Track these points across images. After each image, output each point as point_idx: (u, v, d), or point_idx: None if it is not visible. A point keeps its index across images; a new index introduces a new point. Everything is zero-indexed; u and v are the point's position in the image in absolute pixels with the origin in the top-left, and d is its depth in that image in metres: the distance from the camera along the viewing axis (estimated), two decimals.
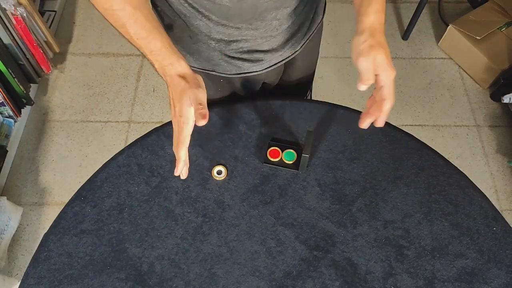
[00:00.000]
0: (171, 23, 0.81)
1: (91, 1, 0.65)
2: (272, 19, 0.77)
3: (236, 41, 0.79)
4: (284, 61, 0.89)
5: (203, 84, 0.68)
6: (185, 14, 0.76)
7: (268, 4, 0.73)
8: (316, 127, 0.87)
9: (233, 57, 0.83)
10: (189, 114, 0.65)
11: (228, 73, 0.86)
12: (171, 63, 0.66)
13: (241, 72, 0.86)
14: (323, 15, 0.93)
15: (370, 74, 0.63)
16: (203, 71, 0.87)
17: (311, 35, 0.91)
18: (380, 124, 0.66)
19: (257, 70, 0.87)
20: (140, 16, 0.64)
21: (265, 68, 0.87)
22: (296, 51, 0.89)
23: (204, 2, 0.72)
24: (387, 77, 0.63)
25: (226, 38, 0.79)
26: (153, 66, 0.67)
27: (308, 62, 1.03)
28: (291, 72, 1.00)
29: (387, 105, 0.65)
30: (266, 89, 1.01)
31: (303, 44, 0.90)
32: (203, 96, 0.66)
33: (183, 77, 0.66)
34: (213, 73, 0.87)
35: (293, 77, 1.02)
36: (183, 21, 0.78)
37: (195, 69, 0.87)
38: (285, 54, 0.88)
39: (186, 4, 0.75)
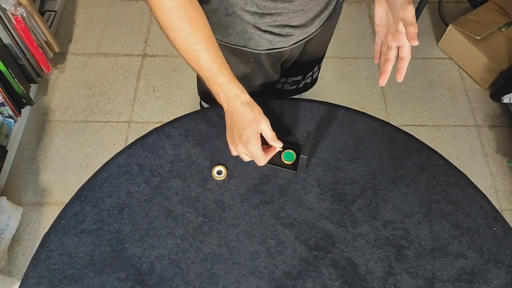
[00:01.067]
0: None
1: (175, 46, 0.72)
2: None
3: (270, 14, 0.81)
4: (308, 38, 0.91)
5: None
6: None
7: None
8: (316, 127, 0.87)
9: (266, 31, 0.84)
10: (260, 152, 0.75)
11: (260, 48, 0.87)
12: (237, 95, 0.74)
13: (271, 47, 0.88)
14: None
15: (415, 21, 0.66)
16: (235, 46, 0.88)
17: (333, 12, 0.93)
18: (401, 79, 0.72)
19: (285, 46, 0.89)
20: (212, 52, 0.72)
21: (292, 44, 0.89)
22: (318, 28, 0.92)
23: None
24: (416, 31, 0.66)
25: (260, 11, 0.80)
26: (217, 95, 0.75)
27: (323, 40, 1.05)
28: (306, 48, 1.01)
29: (407, 62, 0.71)
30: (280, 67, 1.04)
31: (325, 21, 0.92)
32: (268, 124, 0.76)
33: (250, 105, 0.74)
34: (245, 49, 0.88)
35: (307, 53, 1.04)
36: None
37: (227, 45, 0.88)
38: (311, 30, 0.90)
39: None
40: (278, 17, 0.82)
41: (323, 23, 0.92)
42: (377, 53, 0.78)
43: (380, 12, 0.72)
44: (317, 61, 1.13)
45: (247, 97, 0.75)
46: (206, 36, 0.71)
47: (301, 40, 0.91)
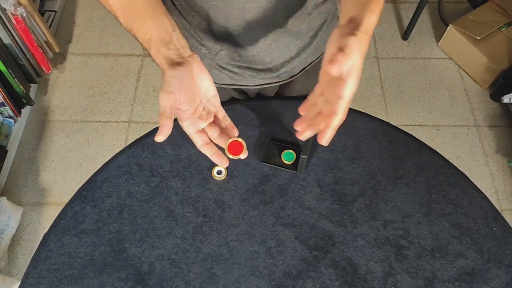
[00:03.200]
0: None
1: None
2: (266, 35, 0.73)
3: (227, 54, 0.78)
4: (280, 83, 0.87)
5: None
6: (176, 18, 0.76)
7: (257, 11, 0.68)
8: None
9: (224, 68, 0.81)
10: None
11: (221, 82, 0.85)
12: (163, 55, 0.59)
13: (234, 83, 0.85)
14: None
15: (348, 60, 0.51)
16: None
17: (313, 61, 0.87)
18: (324, 142, 0.57)
19: (250, 84, 0.85)
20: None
21: (258, 85, 0.86)
22: (294, 75, 0.86)
23: (192, 1, 0.70)
24: (352, 88, 0.53)
25: (214, 47, 0.77)
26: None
27: (309, 87, 0.90)
28: (287, 91, 0.96)
29: (337, 120, 0.55)
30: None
31: (303, 69, 0.86)
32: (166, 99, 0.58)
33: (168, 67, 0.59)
34: None
35: (291, 95, 0.97)
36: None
37: None
38: (282, 76, 0.84)
39: (178, 8, 0.74)
40: (234, 58, 0.78)
41: (303, 70, 0.86)
42: (308, 102, 0.61)
43: (331, 50, 0.54)
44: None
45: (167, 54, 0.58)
46: None
47: (268, 84, 0.85)
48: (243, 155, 0.65)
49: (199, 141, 0.63)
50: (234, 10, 0.69)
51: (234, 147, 0.65)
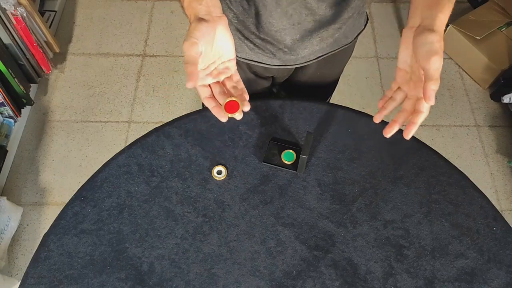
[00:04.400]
0: None
1: None
2: (293, 16, 0.75)
3: (253, 23, 0.78)
4: (295, 66, 0.88)
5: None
6: None
7: None
8: (316, 127, 0.87)
9: (247, 38, 0.82)
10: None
11: (239, 55, 0.86)
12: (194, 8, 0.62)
13: (251, 59, 0.86)
14: (355, 39, 0.90)
15: (438, 76, 0.57)
16: None
17: (330, 52, 0.88)
18: (409, 137, 0.64)
19: (267, 63, 0.86)
20: None
21: (275, 65, 0.87)
22: (309, 61, 0.88)
23: None
24: (435, 89, 0.58)
25: (243, 16, 0.78)
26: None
27: (321, 74, 0.99)
28: (300, 77, 0.98)
29: (423, 118, 0.62)
30: (272, 83, 1.00)
31: (318, 57, 0.88)
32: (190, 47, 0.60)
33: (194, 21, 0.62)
34: None
35: (301, 81, 1.00)
36: None
37: None
38: (298, 60, 0.86)
39: None
40: (261, 29, 0.79)
41: (319, 57, 0.88)
42: (385, 96, 0.69)
43: (404, 54, 0.63)
44: (322, 92, 1.05)
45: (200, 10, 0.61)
46: None
47: (285, 65, 0.87)
48: (238, 115, 0.66)
49: (203, 94, 0.66)
50: None
51: (230, 106, 0.66)
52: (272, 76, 0.97)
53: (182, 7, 0.63)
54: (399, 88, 0.67)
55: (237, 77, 0.67)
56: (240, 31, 0.82)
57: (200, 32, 0.58)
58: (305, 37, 0.81)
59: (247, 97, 0.66)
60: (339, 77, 1.06)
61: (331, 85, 1.06)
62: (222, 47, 0.64)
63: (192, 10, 0.60)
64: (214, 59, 0.64)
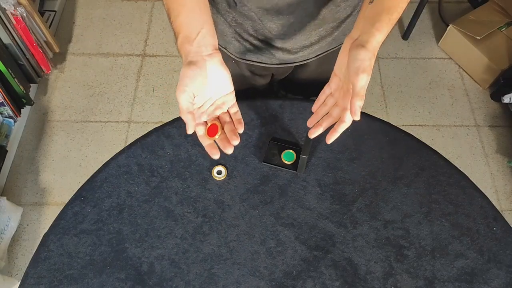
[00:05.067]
0: None
1: None
2: (291, 18, 0.75)
3: (251, 25, 0.78)
4: (294, 64, 0.89)
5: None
6: None
7: None
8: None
9: (246, 40, 0.82)
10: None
11: (238, 55, 0.86)
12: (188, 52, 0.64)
13: (250, 59, 0.86)
14: None
15: (364, 93, 0.61)
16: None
17: (330, 50, 0.89)
18: (330, 142, 0.67)
19: (266, 62, 0.86)
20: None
21: (274, 64, 0.87)
22: (309, 59, 0.88)
23: None
24: (362, 102, 0.61)
25: (242, 19, 0.78)
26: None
27: (321, 71, 0.99)
28: (300, 74, 0.98)
29: (344, 128, 0.65)
30: (271, 81, 1.01)
31: (318, 55, 0.88)
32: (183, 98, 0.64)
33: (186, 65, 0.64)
34: (225, 50, 0.87)
35: (302, 79, 1.00)
36: None
37: None
38: (298, 58, 0.87)
39: None
40: (258, 31, 0.79)
41: (317, 56, 0.88)
42: (319, 101, 0.71)
43: (341, 62, 0.65)
44: (322, 89, 1.08)
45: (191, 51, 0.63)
46: None
47: (285, 64, 0.87)
48: (217, 136, 0.67)
49: (198, 132, 0.68)
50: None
51: (211, 130, 0.68)
52: (272, 73, 0.97)
53: (177, 47, 0.65)
54: (331, 93, 0.69)
55: (234, 108, 0.69)
56: (239, 34, 0.82)
57: (189, 78, 0.61)
58: (304, 38, 0.81)
59: (241, 129, 0.67)
60: None
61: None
62: (217, 84, 0.66)
63: (183, 53, 0.63)
64: (210, 95, 0.66)
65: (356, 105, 0.59)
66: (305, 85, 1.02)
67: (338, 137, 0.65)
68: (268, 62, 0.87)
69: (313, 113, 0.72)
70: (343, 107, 0.66)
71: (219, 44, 0.84)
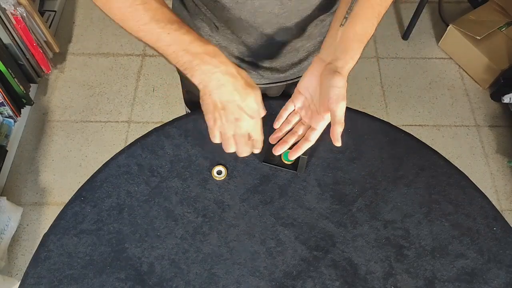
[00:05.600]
0: (177, 13, 0.80)
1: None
2: (276, 37, 0.74)
3: (236, 48, 0.78)
4: (285, 83, 0.87)
5: None
6: (190, 8, 0.76)
7: (269, 17, 0.69)
8: None
9: (232, 63, 0.81)
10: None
11: None
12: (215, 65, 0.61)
13: None
14: None
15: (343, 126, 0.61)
16: None
17: None
18: (292, 158, 0.68)
19: (257, 82, 0.85)
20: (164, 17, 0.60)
21: (264, 84, 0.86)
22: (300, 77, 0.88)
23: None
24: (341, 131, 0.63)
25: (226, 42, 0.78)
26: (185, 68, 0.60)
27: None
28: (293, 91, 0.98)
29: (308, 146, 0.67)
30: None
31: None
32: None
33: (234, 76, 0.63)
34: None
35: None
36: (188, 14, 0.77)
37: None
38: (288, 77, 0.85)
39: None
40: (244, 53, 0.79)
41: None
42: (282, 118, 0.70)
43: (309, 82, 0.65)
44: None
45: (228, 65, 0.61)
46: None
47: (275, 83, 0.86)
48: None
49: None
50: (246, 12, 0.69)
51: None
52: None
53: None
54: (294, 111, 0.69)
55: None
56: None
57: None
58: (292, 55, 0.80)
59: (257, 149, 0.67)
60: None
61: None
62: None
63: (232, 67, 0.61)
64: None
65: (338, 132, 0.60)
66: None
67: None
68: (257, 83, 0.85)
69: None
70: (309, 127, 0.67)
71: None
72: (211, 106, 0.61)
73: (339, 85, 0.59)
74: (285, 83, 0.88)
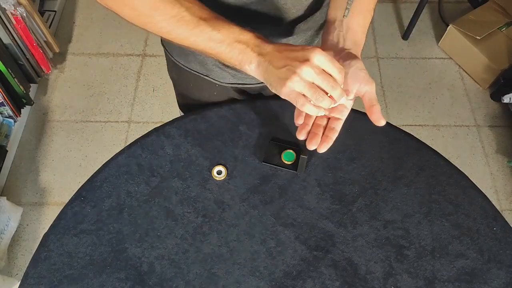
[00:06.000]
0: None
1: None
2: (269, 35, 0.74)
3: None
4: None
5: None
6: None
7: (264, 16, 0.69)
8: None
9: (228, 66, 0.81)
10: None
11: (222, 81, 0.85)
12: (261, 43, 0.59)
13: (235, 82, 0.85)
14: None
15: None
16: (198, 74, 0.86)
17: None
18: (322, 151, 0.64)
19: (252, 83, 0.85)
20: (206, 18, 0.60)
21: (260, 82, 0.85)
22: None
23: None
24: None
25: None
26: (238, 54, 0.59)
27: None
28: None
29: (336, 135, 0.65)
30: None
31: None
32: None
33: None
34: (207, 78, 0.86)
35: None
36: None
37: (190, 71, 0.86)
38: None
39: None
40: None
41: None
42: (300, 113, 0.65)
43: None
44: None
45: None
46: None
47: None
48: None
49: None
50: (242, 15, 0.69)
51: None
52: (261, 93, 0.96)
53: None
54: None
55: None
56: (218, 60, 0.81)
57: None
58: None
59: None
60: None
61: None
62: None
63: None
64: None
65: (379, 111, 0.58)
66: None
67: (338, 136, 0.65)
68: (254, 83, 0.86)
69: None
70: (333, 118, 0.65)
71: (199, 73, 0.84)
72: (283, 72, 0.56)
73: (363, 67, 0.59)
74: None
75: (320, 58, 0.54)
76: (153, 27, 0.62)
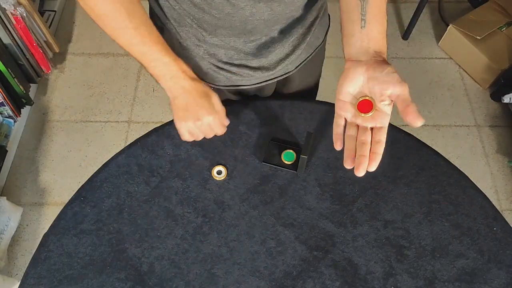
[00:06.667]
0: (162, 26, 0.81)
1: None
2: (263, 36, 0.76)
3: (225, 53, 0.79)
4: (275, 79, 0.88)
5: None
6: (175, 19, 0.76)
7: (259, 22, 0.71)
8: (316, 127, 0.87)
9: (222, 68, 0.81)
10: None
11: (217, 83, 0.85)
12: (184, 71, 0.75)
13: (230, 84, 0.85)
14: (324, 38, 0.91)
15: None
16: None
17: (307, 57, 0.89)
18: (374, 167, 0.59)
19: (246, 84, 0.85)
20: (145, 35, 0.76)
21: (255, 84, 0.86)
22: (289, 72, 0.87)
23: (194, 10, 0.71)
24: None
25: (214, 49, 0.78)
26: (159, 76, 0.80)
27: (305, 83, 1.00)
28: (285, 89, 0.98)
29: (383, 146, 0.60)
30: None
31: (298, 66, 0.88)
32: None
33: (198, 81, 0.75)
34: (203, 81, 0.86)
35: (286, 94, 1.00)
36: (173, 25, 0.78)
37: None
38: (277, 73, 0.86)
39: (176, 10, 0.74)
40: (234, 56, 0.79)
41: (297, 67, 0.88)
42: (339, 136, 0.62)
43: (350, 86, 0.61)
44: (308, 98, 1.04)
45: (192, 74, 0.74)
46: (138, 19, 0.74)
47: (266, 81, 0.86)
48: (371, 113, 0.61)
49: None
50: (237, 21, 0.70)
51: (363, 105, 0.62)
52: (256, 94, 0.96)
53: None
54: (348, 123, 0.63)
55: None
56: (213, 64, 0.81)
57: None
58: (279, 52, 0.81)
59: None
60: (319, 81, 1.07)
61: (314, 91, 1.08)
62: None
63: None
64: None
65: (416, 111, 0.57)
66: (291, 97, 1.02)
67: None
68: (249, 84, 0.86)
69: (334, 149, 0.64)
70: (375, 128, 0.61)
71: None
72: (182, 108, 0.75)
73: (392, 70, 0.59)
74: (275, 80, 0.88)
75: (208, 119, 0.74)
76: (101, 26, 0.76)
